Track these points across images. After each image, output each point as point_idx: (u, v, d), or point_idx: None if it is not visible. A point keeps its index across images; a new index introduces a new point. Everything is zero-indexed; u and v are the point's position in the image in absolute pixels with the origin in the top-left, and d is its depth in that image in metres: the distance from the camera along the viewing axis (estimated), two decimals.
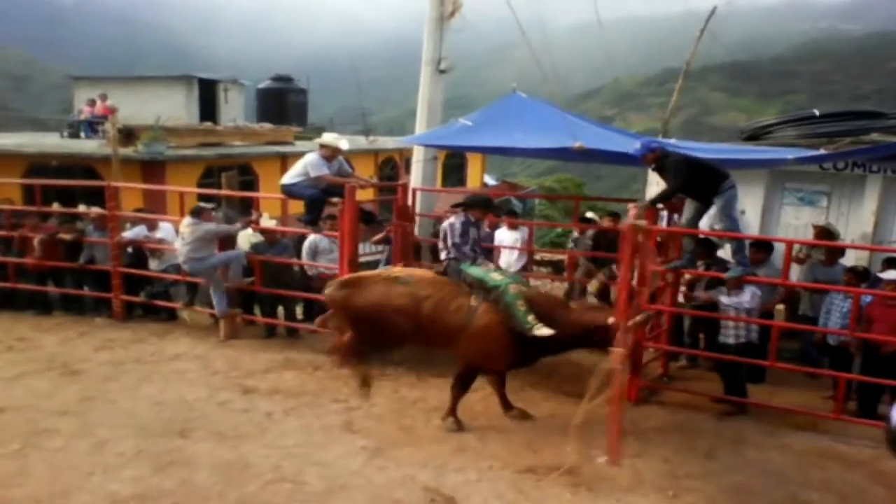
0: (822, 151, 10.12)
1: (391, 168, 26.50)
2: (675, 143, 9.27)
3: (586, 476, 5.65)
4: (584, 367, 8.16)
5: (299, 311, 10.13)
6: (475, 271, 6.71)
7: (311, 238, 9.25)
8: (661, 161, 7.62)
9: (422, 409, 7.11)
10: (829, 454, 6.22)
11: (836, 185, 13.11)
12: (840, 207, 13.02)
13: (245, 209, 9.33)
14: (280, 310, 9.84)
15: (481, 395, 7.43)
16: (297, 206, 10.15)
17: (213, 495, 5.25)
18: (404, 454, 6.04)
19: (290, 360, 8.49)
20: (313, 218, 9.10)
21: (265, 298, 9.66)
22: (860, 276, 7.67)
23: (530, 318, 6.23)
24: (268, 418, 6.75)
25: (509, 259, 10.48)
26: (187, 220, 9.01)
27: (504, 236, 10.67)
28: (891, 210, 12.61)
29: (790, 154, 9.92)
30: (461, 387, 6.75)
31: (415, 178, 11.26)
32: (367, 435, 6.39)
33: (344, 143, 9.01)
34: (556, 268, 9.89)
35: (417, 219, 10.08)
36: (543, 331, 6.15)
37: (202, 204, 9.34)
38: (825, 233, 9.33)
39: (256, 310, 10.00)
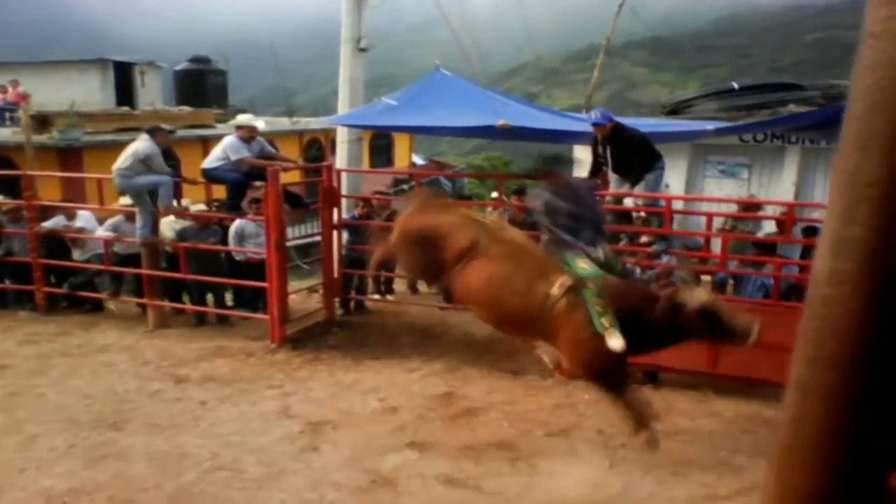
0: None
1: (317, 149, 26.32)
2: None
3: (524, 450, 5.77)
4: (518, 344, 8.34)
5: (229, 297, 10.05)
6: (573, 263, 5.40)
7: (238, 223, 9.14)
8: (620, 133, 7.79)
9: (359, 391, 7.13)
10: (758, 419, 6.43)
11: (756, 156, 13.53)
12: (761, 178, 13.45)
13: None
14: (209, 297, 9.75)
15: (418, 374, 7.52)
16: (220, 191, 10.04)
17: (150, 486, 5.20)
18: (342, 437, 6.07)
19: (221, 347, 8.39)
20: (235, 203, 9.02)
21: (193, 286, 9.51)
22: (768, 248, 7.94)
23: (605, 320, 5.07)
24: (202, 407, 6.69)
25: None
26: (143, 136, 8.92)
27: None
28: (810, 180, 13.09)
29: (709, 125, 10.22)
30: (616, 391, 5.37)
31: (340, 159, 11.25)
32: (305, 419, 6.39)
33: (260, 123, 8.96)
34: None
35: (344, 200, 10.04)
36: (613, 342, 4.99)
37: (162, 125, 9.22)
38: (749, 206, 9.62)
39: (185, 298, 9.87)
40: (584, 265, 5.35)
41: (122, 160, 8.74)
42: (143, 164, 8.69)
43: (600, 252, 5.49)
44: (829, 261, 1.50)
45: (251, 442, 5.95)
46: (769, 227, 10.43)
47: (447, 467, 5.51)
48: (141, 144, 8.74)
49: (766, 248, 8.01)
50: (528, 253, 5.57)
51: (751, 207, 9.49)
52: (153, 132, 8.88)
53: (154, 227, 9.13)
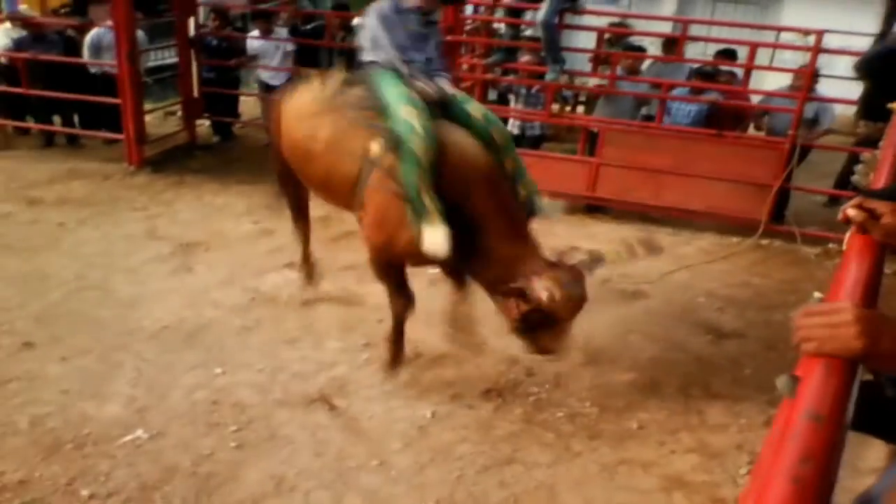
0: None
1: None
2: None
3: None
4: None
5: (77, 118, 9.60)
6: (390, 90, 4.09)
7: (94, 32, 8.63)
8: None
9: (230, 214, 7.15)
10: (628, 242, 6.81)
11: None
12: (640, 6, 13.68)
13: None
14: (56, 118, 9.31)
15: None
16: None
17: (13, 307, 5.15)
18: (217, 258, 6.14)
19: (74, 169, 8.14)
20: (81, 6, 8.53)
21: (37, 104, 8.98)
22: (708, 76, 7.79)
23: (427, 205, 3.78)
24: (61, 228, 6.57)
25: (269, 76, 9.51)
26: None
27: (258, 45, 9.47)
28: (688, 7, 13.43)
29: None
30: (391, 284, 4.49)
31: None
32: (175, 241, 6.39)
33: None
34: None
35: (201, 9, 9.59)
36: (429, 238, 3.76)
37: None
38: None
39: (29, 119, 9.37)
40: (409, 112, 3.92)
41: None
42: None
43: (441, 87, 4.29)
44: None
45: (119, 263, 5.94)
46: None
47: (328, 285, 5.68)
48: None
49: (707, 76, 7.80)
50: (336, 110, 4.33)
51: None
52: None
53: None
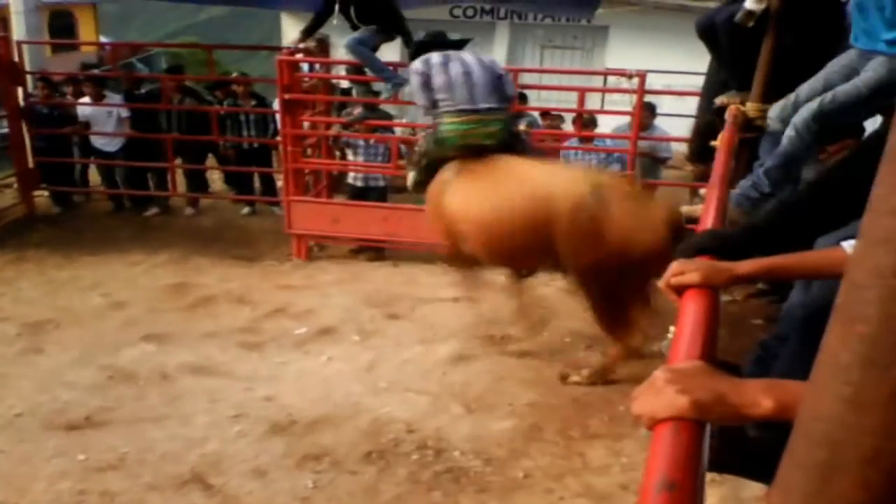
0: None
1: None
2: None
3: (271, 333, 5.87)
4: (251, 230, 8.35)
5: None
6: None
7: None
8: None
9: (77, 288, 6.83)
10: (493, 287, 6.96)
11: (467, 33, 14.10)
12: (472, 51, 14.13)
13: None
14: None
15: (142, 268, 7.35)
16: None
17: None
18: (68, 336, 5.84)
19: None
20: None
21: None
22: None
23: None
24: None
25: (104, 142, 9.29)
26: None
27: (89, 112, 9.11)
28: (518, 55, 13.97)
29: None
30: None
31: (17, 32, 10.28)
32: (20, 321, 6.05)
33: None
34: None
35: (30, 78, 9.25)
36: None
37: None
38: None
39: None
40: None
41: None
42: None
43: None
44: None
45: None
46: None
47: (191, 356, 5.49)
48: None
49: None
50: None
51: None
52: None
53: None
